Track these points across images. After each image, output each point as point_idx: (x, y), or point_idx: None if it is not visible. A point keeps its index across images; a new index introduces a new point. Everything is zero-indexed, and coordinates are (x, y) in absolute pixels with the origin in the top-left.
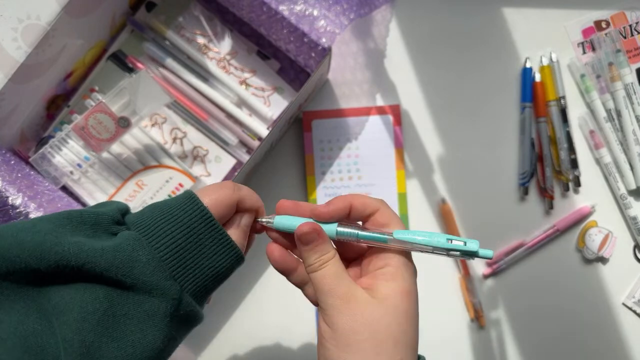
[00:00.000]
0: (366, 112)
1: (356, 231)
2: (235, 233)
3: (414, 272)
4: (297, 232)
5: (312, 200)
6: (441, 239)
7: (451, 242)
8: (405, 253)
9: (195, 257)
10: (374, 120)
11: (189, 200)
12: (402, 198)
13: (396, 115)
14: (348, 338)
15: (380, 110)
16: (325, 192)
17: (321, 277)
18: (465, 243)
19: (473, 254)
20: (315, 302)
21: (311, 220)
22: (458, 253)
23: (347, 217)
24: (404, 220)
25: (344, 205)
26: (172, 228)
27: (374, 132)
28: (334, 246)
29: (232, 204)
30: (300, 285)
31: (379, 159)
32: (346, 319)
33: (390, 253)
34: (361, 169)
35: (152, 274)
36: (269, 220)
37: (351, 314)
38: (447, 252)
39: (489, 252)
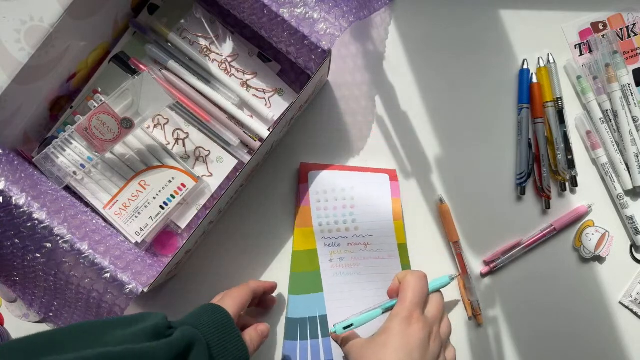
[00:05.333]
0: (363, 170)
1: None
2: (249, 334)
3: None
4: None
5: (313, 252)
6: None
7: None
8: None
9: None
10: (370, 176)
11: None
12: (403, 249)
13: (393, 175)
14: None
15: (377, 170)
16: (324, 243)
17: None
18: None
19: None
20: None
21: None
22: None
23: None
24: (405, 261)
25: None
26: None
27: (370, 184)
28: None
29: (248, 300)
30: None
31: (375, 210)
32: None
33: None
34: (357, 219)
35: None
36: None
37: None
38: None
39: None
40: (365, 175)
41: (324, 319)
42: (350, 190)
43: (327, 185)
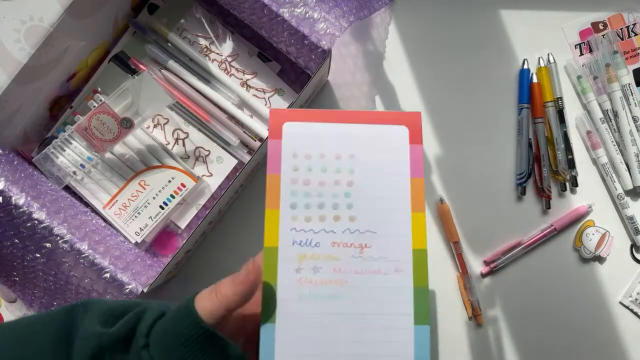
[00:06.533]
0: (370, 118)
1: None
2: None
3: None
4: None
5: (272, 251)
6: None
7: None
8: None
9: None
10: (381, 131)
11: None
12: (420, 259)
13: (415, 127)
14: None
15: (392, 119)
16: (293, 239)
17: None
18: None
19: None
20: None
21: None
22: None
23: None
24: (421, 281)
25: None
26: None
27: (379, 151)
28: None
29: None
30: None
31: (384, 193)
32: None
33: None
34: (355, 204)
35: None
36: None
37: None
38: None
39: None
40: (372, 131)
41: None
42: (349, 160)
43: (312, 147)
